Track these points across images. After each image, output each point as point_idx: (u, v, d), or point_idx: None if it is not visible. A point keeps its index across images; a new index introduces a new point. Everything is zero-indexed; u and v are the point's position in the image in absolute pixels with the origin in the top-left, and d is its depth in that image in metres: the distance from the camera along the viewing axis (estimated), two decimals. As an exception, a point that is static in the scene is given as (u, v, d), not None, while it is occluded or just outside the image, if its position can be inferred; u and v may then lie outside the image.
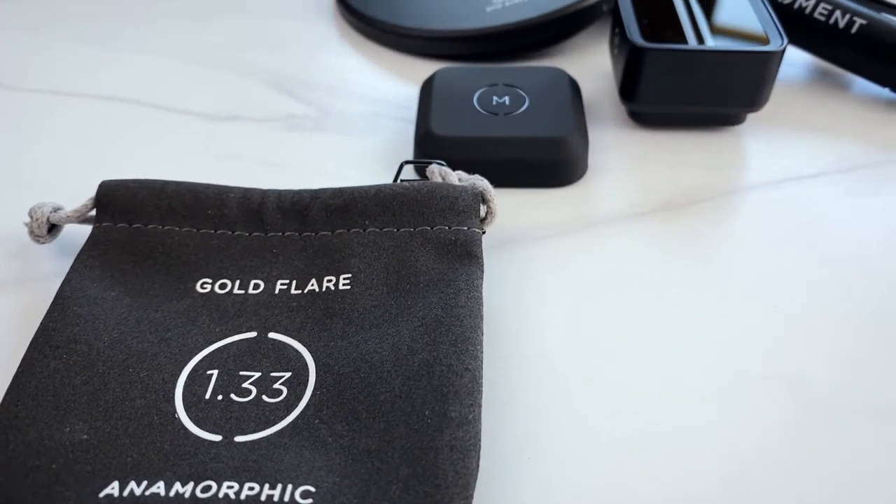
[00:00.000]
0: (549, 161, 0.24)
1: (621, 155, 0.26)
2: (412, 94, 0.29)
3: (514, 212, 0.24)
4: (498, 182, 0.25)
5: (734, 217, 0.24)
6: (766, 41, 0.25)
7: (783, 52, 0.25)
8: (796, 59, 0.30)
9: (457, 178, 0.22)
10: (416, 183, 0.21)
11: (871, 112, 0.28)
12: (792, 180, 0.25)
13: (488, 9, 0.30)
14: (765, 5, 0.26)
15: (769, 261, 0.22)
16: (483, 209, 0.22)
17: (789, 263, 0.22)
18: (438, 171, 0.22)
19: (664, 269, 0.22)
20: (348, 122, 0.28)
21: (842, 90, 0.29)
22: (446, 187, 0.21)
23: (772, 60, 0.25)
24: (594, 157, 0.26)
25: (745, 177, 0.25)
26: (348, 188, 0.22)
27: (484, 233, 0.22)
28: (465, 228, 0.21)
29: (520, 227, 0.24)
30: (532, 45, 0.30)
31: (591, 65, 0.30)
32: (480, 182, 0.22)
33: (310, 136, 0.27)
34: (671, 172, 0.25)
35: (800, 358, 0.20)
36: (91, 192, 0.22)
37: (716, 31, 0.27)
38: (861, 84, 0.29)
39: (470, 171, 0.24)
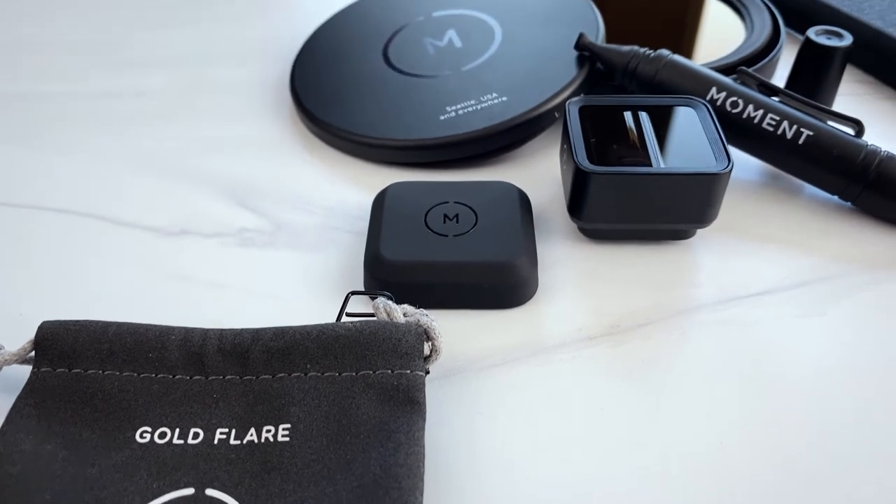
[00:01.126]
0: (498, 285, 0.24)
1: (571, 271, 0.26)
2: (368, 203, 0.29)
3: (463, 337, 0.24)
4: (448, 304, 0.25)
5: (681, 341, 0.24)
6: (712, 162, 0.25)
7: (728, 173, 0.25)
8: (750, 164, 0.30)
9: (402, 312, 0.22)
10: (358, 323, 0.21)
11: (821, 221, 0.28)
12: (740, 299, 0.25)
13: (442, 117, 0.30)
14: (714, 123, 0.27)
15: (716, 390, 0.22)
16: (427, 347, 0.22)
17: (736, 394, 0.22)
18: (383, 307, 0.22)
19: (612, 401, 0.22)
20: (301, 237, 0.28)
21: (793, 196, 0.29)
22: (389, 328, 0.21)
23: (717, 182, 0.25)
24: (545, 273, 0.26)
25: (693, 295, 0.25)
26: (290, 329, 0.21)
27: (428, 372, 0.22)
28: (408, 372, 0.21)
29: (468, 354, 0.23)
30: (486, 153, 0.30)
31: (544, 171, 0.31)
32: (425, 318, 0.22)
33: (262, 253, 0.27)
34: (620, 291, 0.25)
35: (740, 501, 0.20)
36: (35, 316, 0.22)
37: (665, 149, 0.27)
38: (812, 189, 0.29)
39: (420, 294, 0.24)
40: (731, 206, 0.29)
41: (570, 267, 0.26)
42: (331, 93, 0.33)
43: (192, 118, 0.34)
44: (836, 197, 0.28)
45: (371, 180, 0.30)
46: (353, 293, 0.23)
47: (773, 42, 0.35)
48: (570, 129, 0.26)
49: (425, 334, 0.21)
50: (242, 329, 0.22)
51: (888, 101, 0.34)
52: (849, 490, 0.20)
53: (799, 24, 0.38)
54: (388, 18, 0.36)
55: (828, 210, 0.29)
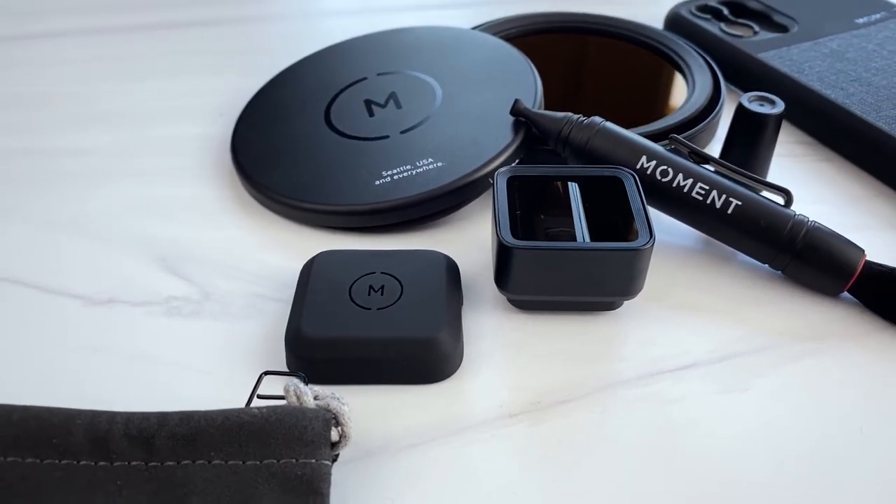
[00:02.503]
0: (419, 361, 0.24)
1: (497, 344, 0.26)
2: (299, 270, 0.29)
3: (382, 414, 0.24)
4: (370, 380, 0.25)
5: (602, 419, 0.24)
6: (636, 236, 0.25)
7: (649, 248, 0.25)
8: (684, 231, 0.30)
9: (312, 396, 0.22)
10: (265, 409, 0.21)
11: (752, 289, 0.28)
12: (664, 373, 0.25)
13: (377, 182, 0.30)
14: (639, 195, 0.27)
15: (635, 471, 0.22)
16: (336, 433, 0.21)
17: (657, 474, 0.22)
18: (293, 390, 0.22)
19: (526, 484, 0.22)
20: (229, 305, 0.28)
21: (726, 263, 0.29)
22: (296, 414, 0.21)
23: (638, 257, 0.25)
24: (471, 345, 0.26)
25: (617, 369, 0.25)
26: (196, 414, 0.21)
27: (335, 459, 0.21)
28: (313, 461, 0.20)
29: (386, 433, 0.23)
30: (421, 218, 0.30)
31: (479, 237, 0.30)
32: (335, 402, 0.21)
33: (187, 323, 0.27)
34: (544, 365, 0.25)
35: None
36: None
37: (592, 221, 0.27)
38: (744, 257, 0.29)
39: (341, 370, 0.24)
40: (663, 273, 0.29)
41: (496, 339, 0.26)
42: (269, 154, 0.33)
43: (130, 178, 0.34)
44: (766, 265, 0.28)
45: (305, 245, 0.30)
46: (267, 373, 0.23)
47: (714, 102, 0.35)
48: (496, 200, 0.26)
49: (334, 420, 0.21)
50: (150, 413, 0.21)
51: (826, 161, 0.35)
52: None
53: (741, 82, 0.39)
54: (335, 77, 0.36)
55: (759, 278, 0.29)
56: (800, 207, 0.31)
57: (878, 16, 0.41)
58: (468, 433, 0.23)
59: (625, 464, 0.23)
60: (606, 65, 0.40)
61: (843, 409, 0.24)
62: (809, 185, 0.33)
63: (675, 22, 0.42)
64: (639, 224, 0.26)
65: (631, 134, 0.29)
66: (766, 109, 0.30)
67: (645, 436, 0.23)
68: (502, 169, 0.28)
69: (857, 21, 0.41)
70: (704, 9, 0.42)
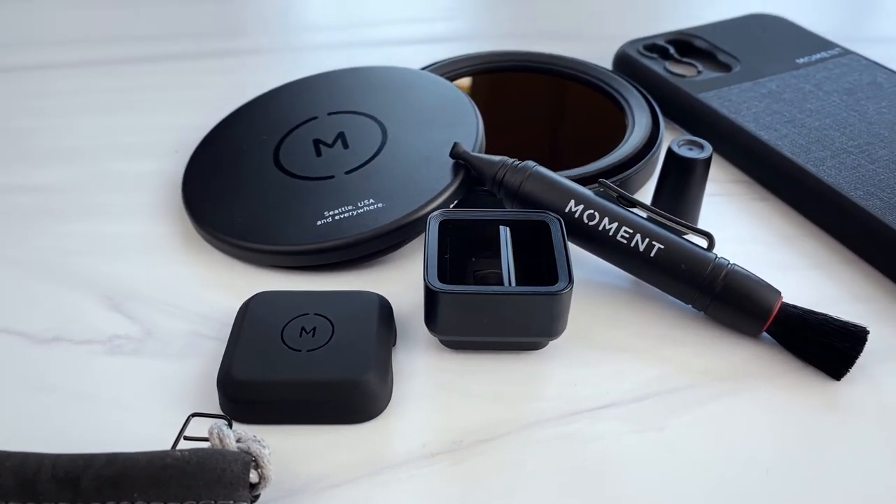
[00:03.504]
0: (346, 402, 0.25)
1: (426, 383, 0.27)
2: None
3: (308, 454, 0.25)
4: (300, 420, 0.26)
5: (520, 459, 0.25)
6: (555, 280, 0.26)
7: (568, 292, 0.26)
8: (613, 271, 0.31)
9: (235, 439, 0.23)
10: (188, 452, 0.22)
11: (675, 329, 0.29)
12: (584, 412, 0.26)
13: (319, 222, 0.31)
14: (563, 240, 0.28)
15: (546, 511, 0.23)
16: (255, 475, 0.22)
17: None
18: (217, 433, 0.23)
19: (442, 523, 0.23)
20: (169, 344, 0.29)
21: (652, 304, 0.30)
22: (216, 456, 0.22)
23: (557, 301, 0.26)
24: (400, 384, 0.27)
25: (539, 409, 0.26)
26: (121, 456, 0.22)
27: (255, 499, 0.22)
28: (231, 503, 0.21)
29: (311, 473, 0.24)
30: (362, 257, 0.31)
31: (417, 275, 0.31)
32: (256, 445, 0.22)
33: (128, 362, 0.28)
34: (468, 405, 0.26)
35: None
36: None
37: (519, 265, 0.28)
38: (670, 297, 0.30)
39: (270, 411, 0.25)
40: (591, 312, 0.30)
41: (425, 378, 0.27)
42: (217, 192, 0.34)
43: (82, 215, 0.35)
44: (690, 306, 0.29)
45: (249, 284, 0.31)
46: (195, 415, 0.24)
47: (653, 140, 0.36)
48: (426, 244, 0.28)
49: (254, 462, 0.22)
50: (78, 454, 0.22)
51: (761, 201, 0.36)
52: None
53: (683, 122, 0.40)
54: (287, 116, 0.37)
55: (683, 318, 0.30)
56: (733, 246, 0.32)
57: (818, 56, 0.43)
58: (389, 473, 0.24)
59: (544, 500, 0.23)
60: (552, 104, 0.42)
61: (752, 449, 0.25)
62: (743, 223, 0.35)
63: (622, 61, 0.43)
64: (559, 269, 0.27)
65: (561, 178, 0.31)
66: (694, 154, 0.32)
67: (560, 476, 0.24)
68: (435, 213, 0.29)
69: (797, 61, 0.42)
70: (651, 48, 0.44)
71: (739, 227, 0.34)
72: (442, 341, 0.28)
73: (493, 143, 0.35)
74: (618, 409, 0.26)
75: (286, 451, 0.25)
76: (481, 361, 0.28)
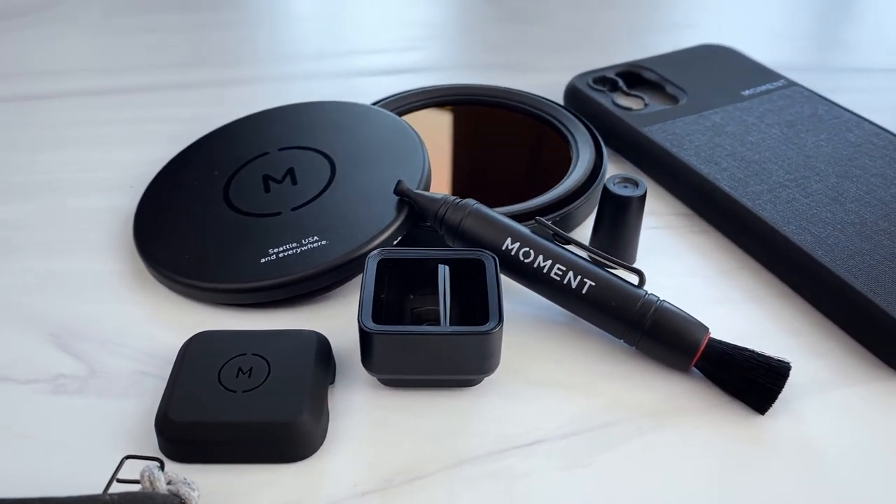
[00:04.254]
0: (279, 442, 0.26)
1: (362, 421, 0.28)
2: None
3: (240, 494, 0.25)
4: (235, 459, 0.26)
5: (449, 497, 0.25)
6: (487, 318, 0.27)
7: (498, 331, 0.27)
8: (549, 306, 0.32)
9: (166, 481, 0.23)
10: (117, 496, 0.22)
11: (608, 364, 0.30)
12: (514, 449, 0.27)
13: (263, 260, 0.32)
14: (497, 280, 0.29)
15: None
16: (184, 517, 0.23)
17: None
18: (147, 476, 0.23)
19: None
20: (113, 383, 0.29)
21: (586, 339, 0.31)
22: (145, 500, 0.22)
23: (487, 340, 0.27)
24: (336, 421, 0.28)
25: (470, 446, 0.27)
26: (54, 499, 0.22)
27: (184, 541, 0.23)
28: (157, 545, 0.22)
29: (242, 513, 0.25)
30: (305, 294, 0.32)
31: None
32: (185, 488, 0.23)
33: (71, 402, 0.28)
34: (402, 442, 0.27)
35: None
36: None
37: (460, 301, 0.29)
38: (604, 332, 0.31)
39: (206, 452, 0.26)
40: (526, 347, 0.31)
41: (362, 416, 0.28)
42: (167, 228, 0.34)
43: (33, 251, 0.35)
44: (622, 341, 0.30)
45: (194, 322, 0.31)
46: (128, 457, 0.24)
47: (595, 175, 0.37)
48: (363, 284, 0.28)
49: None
50: (10, 499, 0.23)
51: (701, 234, 0.37)
52: None
53: (628, 156, 0.41)
54: (240, 151, 0.38)
55: (614, 354, 0.30)
56: (671, 279, 0.33)
57: (763, 87, 0.44)
58: (320, 511, 0.25)
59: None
60: (501, 137, 0.43)
61: (676, 484, 0.26)
62: (683, 256, 0.36)
63: (572, 94, 0.44)
64: (490, 309, 0.27)
65: (499, 216, 0.31)
66: (628, 192, 0.32)
67: (487, 512, 0.25)
68: (374, 252, 0.30)
69: (743, 93, 0.43)
70: (601, 80, 0.45)
71: (679, 260, 0.35)
72: (379, 379, 0.29)
73: (442, 177, 0.36)
74: (547, 445, 0.27)
75: (221, 490, 0.25)
76: (417, 399, 0.29)
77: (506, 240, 0.31)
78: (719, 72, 0.46)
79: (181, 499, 0.23)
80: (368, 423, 0.28)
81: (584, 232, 0.36)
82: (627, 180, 0.33)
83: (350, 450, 0.27)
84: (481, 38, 0.57)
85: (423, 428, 0.28)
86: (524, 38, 0.56)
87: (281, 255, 0.32)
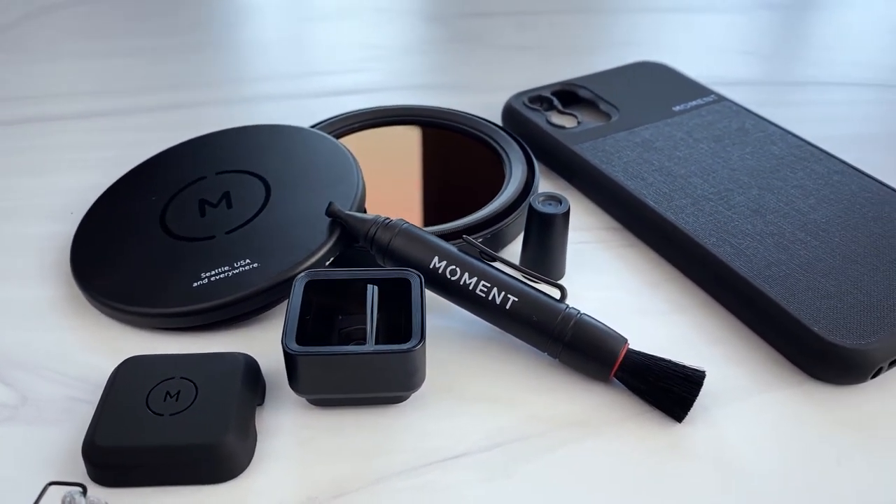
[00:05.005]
0: (205, 464, 0.26)
1: (289, 441, 0.28)
2: (117, 371, 0.31)
3: (167, 516, 0.26)
4: (163, 482, 0.27)
5: (371, 512, 0.26)
6: (409, 336, 0.28)
7: (420, 349, 0.27)
8: (478, 321, 0.32)
9: (86, 506, 0.24)
10: (36, 522, 0.23)
11: (532, 378, 0.31)
12: (437, 463, 0.27)
13: (195, 284, 0.32)
14: (421, 298, 0.29)
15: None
16: (104, 541, 0.23)
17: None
18: (68, 502, 0.24)
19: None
20: (44, 410, 0.29)
21: (512, 352, 0.32)
22: (64, 526, 0.23)
23: (409, 358, 0.27)
24: (265, 442, 0.28)
25: (395, 461, 0.28)
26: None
27: (103, 564, 0.23)
28: (75, 570, 0.22)
29: (167, 535, 0.25)
30: (238, 317, 0.33)
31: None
32: (103, 510, 0.24)
33: (2, 430, 0.29)
34: (328, 460, 0.28)
35: None
36: None
37: (388, 319, 0.30)
38: (529, 346, 0.32)
39: (134, 475, 0.26)
40: (454, 362, 0.31)
41: (290, 436, 0.28)
42: (102, 254, 0.35)
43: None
44: (546, 354, 0.31)
45: (127, 346, 0.32)
46: (52, 483, 0.25)
47: (526, 193, 0.38)
48: (289, 306, 0.29)
49: (102, 529, 0.23)
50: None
51: (629, 247, 0.38)
52: None
53: (561, 172, 0.42)
54: (178, 175, 0.38)
55: (539, 366, 0.31)
56: (599, 292, 0.34)
57: (694, 103, 0.45)
58: (245, 531, 0.25)
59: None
60: (436, 157, 0.43)
61: (594, 492, 0.27)
62: (611, 269, 0.37)
63: (508, 114, 0.46)
64: (413, 326, 0.28)
65: (427, 235, 0.32)
66: (552, 209, 0.33)
67: (408, 526, 0.26)
68: (302, 274, 0.30)
69: (674, 109, 0.45)
70: (536, 99, 0.46)
71: (607, 273, 0.36)
72: (307, 399, 0.30)
73: (379, 197, 0.37)
74: (469, 458, 0.28)
75: (144, 513, 0.26)
76: (345, 417, 0.29)
77: (433, 258, 0.31)
78: (652, 88, 0.47)
79: (101, 523, 0.23)
80: (296, 442, 0.28)
81: (515, 248, 0.37)
82: (552, 198, 0.34)
83: (277, 469, 0.27)
84: (428, 60, 0.58)
85: (350, 446, 0.28)
86: (469, 59, 0.58)
87: (213, 278, 0.33)
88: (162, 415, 0.27)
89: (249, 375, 0.29)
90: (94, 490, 0.26)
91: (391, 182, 0.41)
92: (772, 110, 0.45)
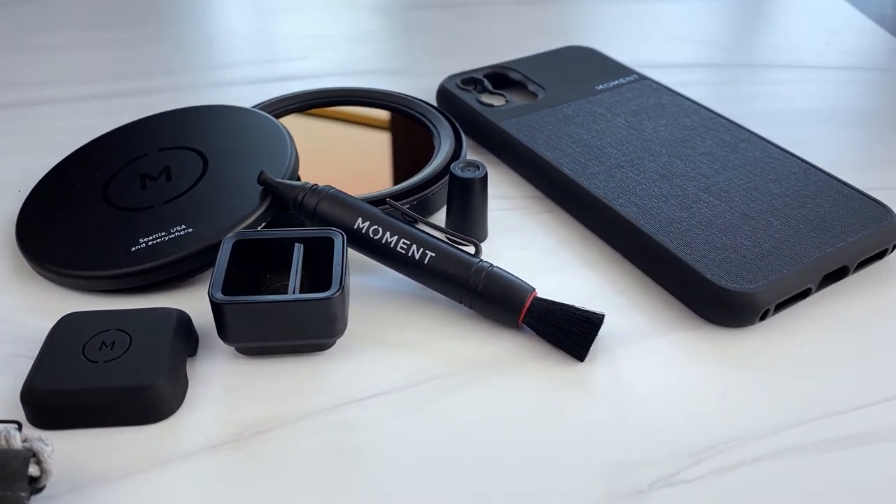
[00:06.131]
0: (137, 405, 0.28)
1: (219, 387, 0.30)
2: (58, 330, 0.32)
3: (100, 452, 0.28)
4: (97, 423, 0.28)
5: (294, 444, 0.28)
6: (328, 286, 0.30)
7: (337, 297, 0.30)
8: (399, 278, 0.35)
9: (21, 440, 0.26)
10: (-28, 453, 0.25)
11: (448, 326, 0.33)
12: (356, 402, 0.30)
13: (133, 248, 0.34)
14: (343, 254, 0.32)
15: (320, 485, 0.27)
16: (37, 469, 0.25)
17: (339, 485, 0.27)
18: (3, 436, 0.25)
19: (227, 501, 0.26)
20: (-14, 365, 0.31)
21: (429, 304, 0.34)
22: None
23: (328, 305, 0.30)
24: (196, 388, 0.30)
25: (317, 402, 0.30)
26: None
27: (39, 490, 0.25)
28: (9, 493, 0.24)
29: (100, 468, 0.27)
30: (173, 279, 0.35)
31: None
32: (38, 444, 0.25)
33: (-55, 383, 0.30)
34: (254, 403, 0.30)
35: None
36: None
37: (314, 276, 0.32)
38: (446, 298, 0.34)
39: (71, 417, 0.28)
40: (376, 315, 0.34)
41: (219, 383, 0.31)
42: (46, 226, 0.37)
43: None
44: (461, 305, 0.33)
45: (67, 308, 0.33)
46: (-12, 422, 0.27)
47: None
48: (217, 262, 0.31)
49: (35, 458, 0.25)
50: None
51: (548, 213, 0.40)
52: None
53: (489, 147, 0.45)
54: (122, 153, 0.40)
55: (455, 316, 0.34)
56: (518, 252, 0.37)
57: (616, 82, 0.48)
58: (173, 464, 0.27)
59: (311, 479, 0.27)
60: (372, 134, 0.46)
61: (500, 422, 0.29)
62: (529, 232, 0.39)
63: (442, 95, 0.48)
64: (333, 277, 0.30)
65: (351, 199, 0.34)
66: (470, 174, 0.36)
67: (328, 455, 0.28)
68: (230, 235, 0.32)
69: (597, 87, 0.48)
70: (469, 81, 0.49)
71: (526, 236, 0.39)
72: (236, 349, 0.32)
73: (315, 170, 0.39)
74: (386, 396, 0.30)
75: (81, 451, 0.28)
76: (272, 365, 0.31)
77: (357, 220, 0.34)
78: (578, 70, 0.50)
79: (34, 453, 0.25)
80: (225, 388, 0.30)
81: (443, 214, 0.40)
82: (471, 164, 0.37)
83: (206, 411, 0.29)
84: (371, 48, 0.61)
85: (276, 390, 0.30)
86: (410, 47, 0.60)
87: (150, 243, 0.35)
88: (97, 362, 0.29)
89: (181, 327, 0.31)
90: (32, 431, 0.28)
91: (327, 156, 0.43)
92: (696, 89, 0.49)
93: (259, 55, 0.59)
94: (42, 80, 0.54)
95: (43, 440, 0.25)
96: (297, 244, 0.33)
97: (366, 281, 0.35)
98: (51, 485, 0.26)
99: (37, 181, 0.41)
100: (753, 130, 0.43)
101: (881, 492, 0.27)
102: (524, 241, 0.38)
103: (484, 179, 0.36)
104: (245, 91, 0.52)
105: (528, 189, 0.42)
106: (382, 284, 0.35)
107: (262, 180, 0.36)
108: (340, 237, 0.32)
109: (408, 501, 0.26)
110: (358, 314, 0.33)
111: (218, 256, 0.31)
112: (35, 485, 0.25)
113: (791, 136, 0.44)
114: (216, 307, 0.30)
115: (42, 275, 0.35)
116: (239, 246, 0.32)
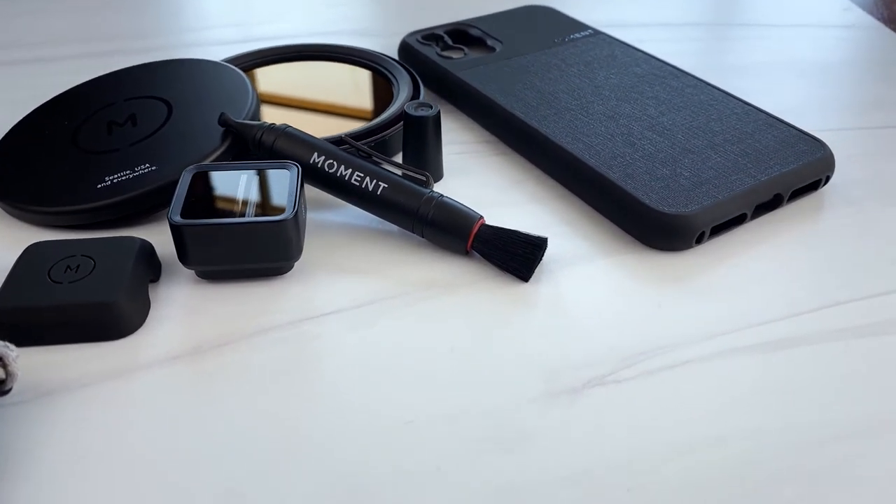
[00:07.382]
0: (99, 321, 0.30)
1: (180, 308, 0.32)
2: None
3: (65, 365, 0.29)
4: (63, 340, 0.30)
5: (250, 355, 0.30)
6: (283, 211, 0.32)
7: (290, 220, 0.31)
8: (354, 211, 0.37)
9: (-12, 347, 0.27)
10: (-59, 357, 0.26)
11: (401, 253, 0.35)
12: (311, 319, 0.31)
13: (99, 185, 0.36)
14: (297, 183, 0.33)
15: (276, 392, 0.28)
16: (2, 372, 0.27)
17: (294, 393, 0.28)
18: (-25, 344, 0.27)
19: (183, 413, 0.27)
20: (-42, 293, 0.33)
21: (383, 234, 0.36)
22: (-34, 359, 0.26)
23: (283, 228, 0.31)
24: (158, 310, 0.32)
25: (272, 319, 0.31)
26: None
27: (6, 393, 0.27)
28: (-24, 392, 0.26)
29: (65, 379, 0.29)
30: (137, 213, 0.36)
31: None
32: (3, 349, 0.27)
33: (-83, 309, 0.32)
34: (213, 322, 0.31)
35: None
36: None
37: (261, 204, 0.33)
38: (397, 227, 0.36)
39: (37, 334, 0.30)
40: (332, 244, 0.35)
41: (180, 305, 0.32)
42: (17, 169, 0.38)
43: None
44: (412, 233, 0.35)
45: (35, 241, 0.35)
46: (-42, 334, 0.28)
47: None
48: (176, 190, 0.33)
49: (1, 362, 0.27)
50: None
51: (500, 155, 0.42)
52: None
53: (446, 96, 0.46)
54: (90, 102, 0.42)
55: (407, 244, 0.35)
56: (471, 191, 0.39)
57: (573, 36, 0.50)
58: (134, 373, 0.29)
59: (267, 386, 0.29)
60: (335, 84, 0.47)
61: (445, 335, 0.31)
62: (482, 173, 0.41)
63: (404, 49, 0.50)
64: (288, 204, 0.32)
65: (307, 136, 0.36)
66: (422, 113, 0.38)
67: (282, 365, 0.29)
68: (190, 167, 0.34)
69: (554, 41, 0.49)
70: (430, 37, 0.50)
71: (479, 176, 0.40)
72: (197, 273, 0.33)
73: (280, 117, 0.41)
74: (340, 314, 0.32)
75: (46, 364, 0.29)
76: (232, 288, 0.33)
77: (312, 154, 0.35)
78: (535, 26, 0.52)
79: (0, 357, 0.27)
80: (186, 309, 0.32)
81: (400, 158, 0.41)
82: (423, 105, 0.38)
83: (167, 329, 0.31)
84: (341, 11, 0.62)
85: (235, 309, 0.32)
86: (378, 11, 0.62)
87: (115, 180, 0.36)
88: (61, 283, 0.30)
89: (143, 253, 0.32)
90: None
91: (291, 106, 0.45)
92: (650, 45, 0.50)
93: (230, 19, 0.61)
94: (15, 41, 0.55)
95: (8, 346, 0.27)
96: (251, 175, 0.34)
97: (325, 216, 0.37)
98: (17, 392, 0.28)
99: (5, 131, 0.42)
100: (702, 78, 0.45)
101: (803, 390, 0.29)
102: (477, 180, 0.40)
103: (437, 118, 0.38)
104: (216, 51, 0.54)
105: (483, 134, 0.44)
106: (340, 219, 0.37)
107: (222, 121, 0.37)
108: (295, 168, 0.34)
109: (360, 405, 0.28)
110: (316, 245, 0.35)
111: (179, 186, 0.33)
112: (2, 387, 0.27)
113: (737, 85, 0.46)
114: (175, 229, 0.31)
115: (11, 213, 0.37)
116: (198, 178, 0.34)
